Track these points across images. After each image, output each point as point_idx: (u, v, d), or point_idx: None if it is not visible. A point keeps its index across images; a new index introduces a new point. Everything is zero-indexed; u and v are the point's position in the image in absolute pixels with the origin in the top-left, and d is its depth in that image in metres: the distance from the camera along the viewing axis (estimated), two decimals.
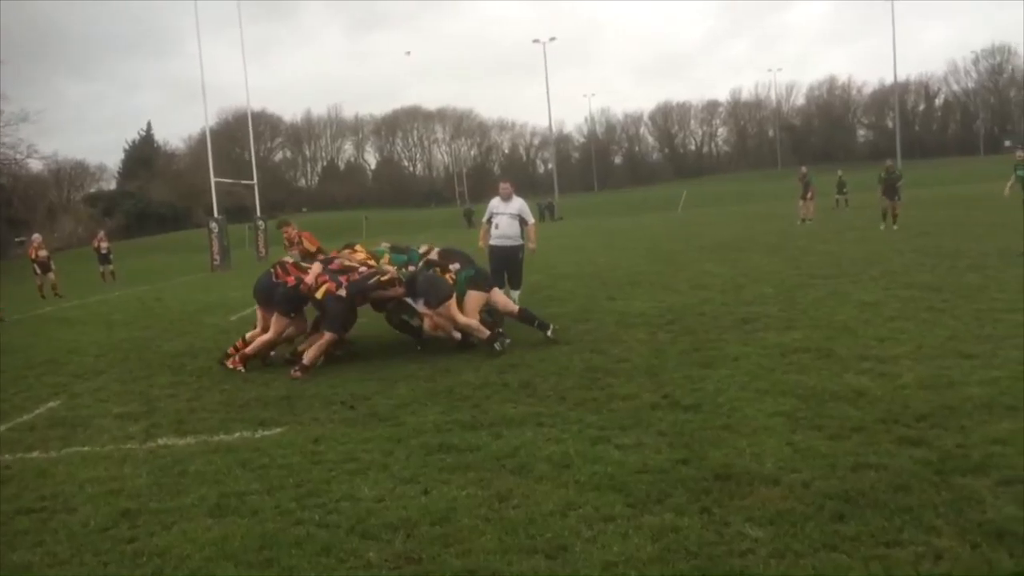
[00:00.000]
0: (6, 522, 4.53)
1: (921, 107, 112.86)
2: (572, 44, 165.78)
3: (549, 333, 8.53)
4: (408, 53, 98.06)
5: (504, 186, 12.25)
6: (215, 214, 32.94)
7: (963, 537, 3.37)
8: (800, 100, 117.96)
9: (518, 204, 12.00)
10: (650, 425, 5.30)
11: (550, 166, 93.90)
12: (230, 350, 8.73)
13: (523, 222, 11.99)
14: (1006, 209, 19.77)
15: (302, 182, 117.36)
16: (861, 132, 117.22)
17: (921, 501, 3.74)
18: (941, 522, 3.52)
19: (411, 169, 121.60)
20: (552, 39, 72.82)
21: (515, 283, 12.03)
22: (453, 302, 8.33)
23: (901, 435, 4.68)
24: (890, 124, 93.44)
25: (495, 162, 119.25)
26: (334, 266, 8.65)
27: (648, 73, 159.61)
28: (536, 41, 72.37)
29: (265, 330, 8.63)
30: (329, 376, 7.77)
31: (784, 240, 19.99)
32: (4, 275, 34.70)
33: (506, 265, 11.83)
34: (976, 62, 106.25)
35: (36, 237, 24.36)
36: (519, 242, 11.97)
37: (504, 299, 8.91)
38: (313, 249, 8.99)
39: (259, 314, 8.88)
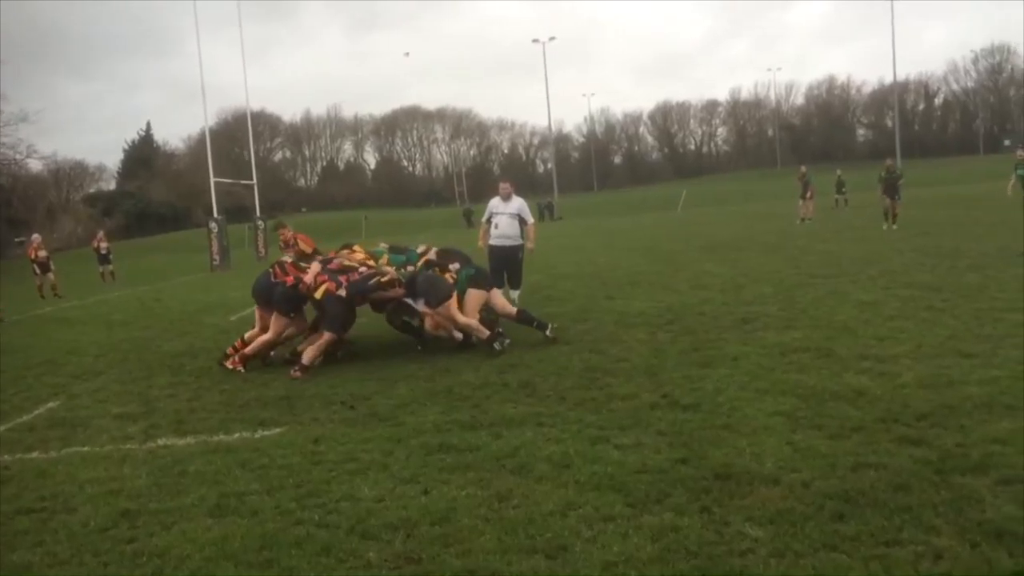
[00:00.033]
0: (6, 522, 4.53)
1: (921, 106, 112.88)
2: (572, 44, 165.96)
3: (548, 332, 8.53)
4: (407, 54, 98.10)
5: (504, 186, 12.25)
6: (215, 214, 32.92)
7: (963, 536, 3.37)
8: (799, 100, 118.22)
9: (518, 204, 12.01)
10: (650, 425, 5.31)
11: (549, 166, 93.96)
12: (229, 350, 8.72)
13: (523, 222, 12.00)
14: (1006, 208, 19.78)
15: (301, 182, 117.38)
16: (860, 132, 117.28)
17: (921, 500, 3.74)
18: (941, 521, 3.52)
19: (410, 169, 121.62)
20: (552, 39, 72.91)
21: (515, 283, 12.03)
22: (453, 302, 8.33)
23: (901, 434, 4.68)
24: (889, 123, 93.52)
25: (494, 162, 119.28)
26: (333, 266, 8.65)
27: (647, 73, 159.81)
28: (536, 41, 72.39)
29: (264, 330, 8.63)
30: (329, 376, 7.77)
31: (784, 240, 19.99)
32: (4, 275, 34.70)
33: (506, 265, 11.83)
34: (975, 61, 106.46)
35: (35, 237, 24.36)
36: (519, 242, 11.97)
37: (502, 301, 8.90)
38: (309, 251, 9.01)
39: (258, 314, 8.88)
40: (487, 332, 8.26)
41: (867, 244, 16.89)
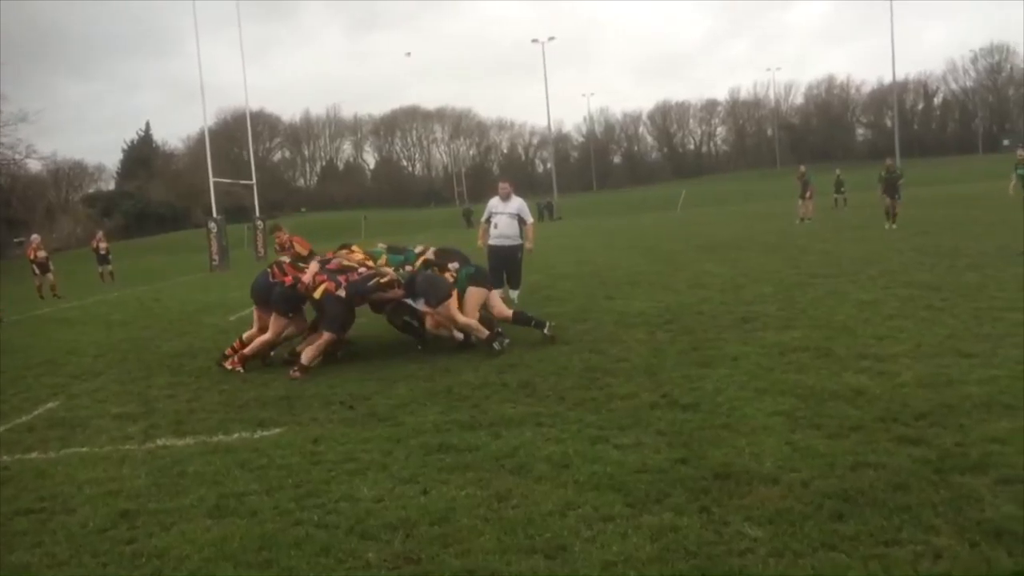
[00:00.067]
0: (5, 523, 4.53)
1: (920, 106, 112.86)
2: (571, 44, 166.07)
3: (546, 330, 8.52)
4: (408, 54, 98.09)
5: (503, 186, 12.26)
6: (214, 214, 32.90)
7: (962, 536, 3.37)
8: (799, 99, 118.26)
9: (517, 204, 12.02)
10: (649, 425, 5.30)
11: (549, 166, 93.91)
12: (227, 351, 8.72)
13: (522, 222, 12.01)
14: (1005, 208, 19.78)
15: (301, 182, 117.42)
16: (860, 131, 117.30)
17: (920, 500, 3.74)
18: (940, 521, 3.52)
19: (410, 169, 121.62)
20: (551, 39, 72.81)
21: (514, 283, 12.04)
22: (453, 301, 8.33)
23: (900, 434, 4.68)
24: (889, 123, 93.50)
25: (494, 162, 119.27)
26: (332, 266, 8.65)
27: (647, 73, 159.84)
28: (535, 41, 72.27)
29: (262, 330, 8.62)
30: (328, 376, 7.76)
31: (783, 239, 20.00)
32: (3, 275, 34.70)
33: (505, 265, 11.84)
34: (975, 61, 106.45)
35: (35, 238, 24.35)
36: (518, 242, 11.98)
37: (499, 304, 8.88)
38: (305, 253, 8.98)
39: (256, 314, 8.87)
40: (486, 332, 8.25)
41: (866, 244, 16.89)
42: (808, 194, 27.10)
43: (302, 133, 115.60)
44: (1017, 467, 4.03)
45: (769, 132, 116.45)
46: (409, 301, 8.53)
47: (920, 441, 4.53)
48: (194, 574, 3.69)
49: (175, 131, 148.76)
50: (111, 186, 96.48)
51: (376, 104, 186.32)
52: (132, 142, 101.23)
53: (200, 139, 61.14)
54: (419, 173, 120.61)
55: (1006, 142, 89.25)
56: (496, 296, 8.88)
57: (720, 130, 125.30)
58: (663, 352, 7.58)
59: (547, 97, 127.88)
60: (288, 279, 8.48)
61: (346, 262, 8.81)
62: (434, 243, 10.16)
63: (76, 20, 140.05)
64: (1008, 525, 3.42)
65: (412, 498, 4.35)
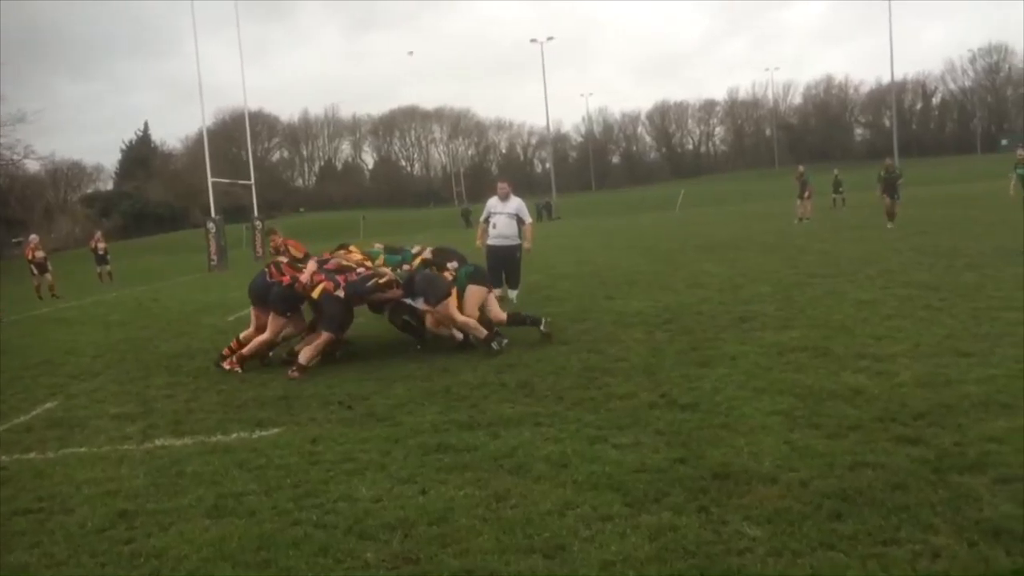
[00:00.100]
0: (3, 523, 4.52)
1: (918, 106, 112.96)
2: (570, 44, 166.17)
3: (543, 327, 8.53)
4: (411, 53, 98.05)
5: (502, 186, 12.27)
6: (212, 214, 32.90)
7: (960, 535, 3.37)
8: (797, 99, 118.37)
9: (516, 204, 12.02)
10: (648, 424, 5.31)
11: (548, 166, 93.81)
12: (225, 351, 8.71)
13: (520, 222, 12.01)
14: (1004, 208, 19.82)
15: (299, 182, 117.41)
16: (858, 131, 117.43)
17: (918, 499, 3.75)
18: (938, 520, 3.52)
19: (409, 169, 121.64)
20: (549, 39, 72.69)
21: (513, 283, 12.05)
22: (452, 300, 8.33)
23: (898, 433, 4.68)
24: (887, 123, 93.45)
25: (493, 162, 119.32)
26: (331, 266, 8.64)
27: (645, 73, 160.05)
28: (534, 41, 72.15)
29: (259, 330, 8.60)
30: (327, 376, 7.76)
31: (781, 239, 20.00)
32: (2, 276, 34.66)
33: (504, 264, 11.85)
34: (973, 61, 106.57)
35: (33, 238, 24.33)
36: (517, 242, 11.99)
37: (495, 307, 8.87)
38: (300, 256, 8.97)
39: (253, 314, 8.86)
40: (485, 331, 8.25)
41: (865, 243, 16.90)
42: (806, 194, 27.11)
43: (300, 133, 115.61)
44: (1015, 466, 4.03)
45: (767, 132, 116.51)
46: (408, 300, 8.53)
47: (918, 441, 4.53)
48: (192, 574, 3.69)
49: (173, 131, 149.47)
50: (109, 186, 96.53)
51: (374, 104, 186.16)
52: (130, 142, 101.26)
53: (198, 139, 61.09)
54: (418, 173, 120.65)
55: (1004, 142, 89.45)
56: (492, 298, 8.88)
57: (718, 130, 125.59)
58: (662, 352, 7.58)
59: (546, 97, 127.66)
60: (286, 279, 8.47)
61: (344, 262, 8.80)
62: (432, 243, 10.16)
63: (75, 20, 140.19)
64: (1006, 524, 3.42)
65: (410, 498, 4.34)
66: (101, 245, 28.25)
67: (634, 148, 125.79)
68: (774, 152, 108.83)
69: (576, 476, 4.43)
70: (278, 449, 5.47)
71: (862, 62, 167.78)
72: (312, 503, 4.40)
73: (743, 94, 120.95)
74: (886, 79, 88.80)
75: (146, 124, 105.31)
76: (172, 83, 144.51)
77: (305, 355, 8.03)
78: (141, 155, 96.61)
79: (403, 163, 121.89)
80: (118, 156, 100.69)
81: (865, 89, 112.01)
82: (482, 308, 8.70)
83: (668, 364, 7.04)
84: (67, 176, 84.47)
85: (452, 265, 8.83)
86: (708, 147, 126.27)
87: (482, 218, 12.40)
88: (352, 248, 9.51)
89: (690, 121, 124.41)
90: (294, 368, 7.91)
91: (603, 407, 5.85)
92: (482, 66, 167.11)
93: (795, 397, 5.61)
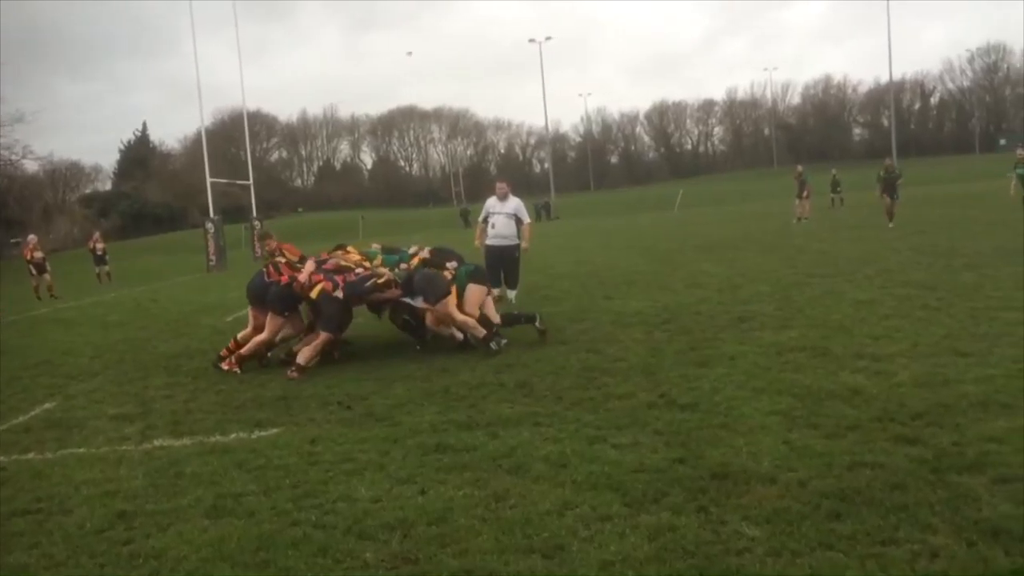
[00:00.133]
0: (2, 524, 4.52)
1: (917, 106, 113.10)
2: (569, 44, 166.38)
3: (537, 323, 8.54)
4: (410, 53, 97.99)
5: (500, 186, 12.28)
6: (211, 214, 32.89)
7: (959, 535, 3.38)
8: (796, 99, 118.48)
9: (514, 204, 12.03)
10: (647, 424, 5.31)
11: (546, 166, 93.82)
12: (223, 352, 8.70)
13: (519, 222, 12.02)
14: (1002, 207, 19.84)
15: (298, 182, 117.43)
16: (857, 131, 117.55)
17: (917, 499, 3.75)
18: (937, 520, 3.53)
19: (407, 169, 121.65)
20: (548, 39, 72.63)
21: (512, 283, 12.05)
22: (452, 298, 8.34)
23: (897, 433, 4.68)
24: (886, 123, 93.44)
25: (491, 162, 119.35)
26: (329, 266, 8.64)
27: (644, 73, 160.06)
28: (532, 41, 72.12)
29: (257, 330, 8.59)
30: (325, 376, 7.76)
31: (780, 239, 20.02)
32: (0, 276, 34.62)
33: (502, 264, 11.85)
34: (971, 60, 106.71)
35: (32, 238, 24.30)
36: (515, 241, 11.99)
37: (490, 308, 8.87)
38: (295, 259, 8.97)
39: (251, 314, 8.85)
40: (484, 331, 8.25)
41: (863, 243, 16.91)
42: (805, 194, 27.13)
43: (299, 133, 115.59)
44: (1014, 466, 4.04)
45: (766, 132, 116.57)
46: (407, 299, 8.53)
47: (917, 440, 4.54)
48: (192, 574, 3.69)
49: (172, 131, 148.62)
50: (108, 186, 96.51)
51: (373, 104, 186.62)
52: (129, 142, 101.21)
53: (197, 139, 61.07)
54: (416, 173, 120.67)
55: (1003, 142, 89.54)
56: (489, 300, 8.89)
57: (717, 130, 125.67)
58: (660, 352, 7.58)
59: (544, 97, 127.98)
60: (284, 278, 8.47)
61: (343, 263, 8.80)
62: (430, 243, 10.15)
63: (73, 20, 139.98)
64: (1005, 524, 3.42)
65: (410, 498, 4.34)
66: (100, 246, 28.22)
67: (633, 148, 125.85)
68: (773, 152, 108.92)
69: (575, 476, 4.43)
70: (277, 449, 5.47)
71: (861, 62, 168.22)
72: (311, 503, 4.40)
73: (742, 94, 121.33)
74: (884, 79, 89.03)
75: (144, 124, 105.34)
76: (171, 83, 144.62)
77: (304, 355, 8.03)
78: (140, 155, 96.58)
79: (402, 163, 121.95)
80: (116, 156, 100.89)
81: (864, 89, 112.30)
82: (480, 308, 8.70)
83: (667, 364, 7.04)
84: (65, 176, 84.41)
85: (452, 265, 8.84)
86: (707, 147, 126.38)
87: (481, 218, 12.41)
88: (350, 249, 9.51)
89: (689, 121, 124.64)
90: (293, 368, 7.91)
91: (602, 407, 5.85)
92: (481, 66, 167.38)
93: (794, 397, 5.61)
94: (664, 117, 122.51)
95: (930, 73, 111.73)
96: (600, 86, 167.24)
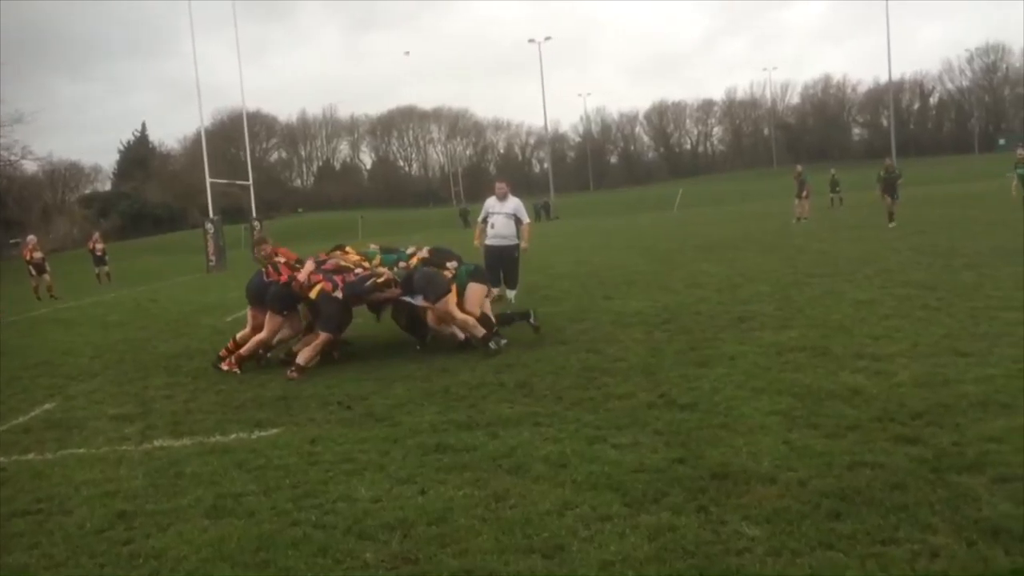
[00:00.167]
0: (2, 524, 4.52)
1: (916, 105, 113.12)
2: (568, 44, 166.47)
3: (532, 320, 8.56)
4: (407, 53, 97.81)
5: (500, 186, 12.28)
6: (211, 215, 32.90)
7: (959, 535, 3.38)
8: (795, 99, 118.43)
9: (513, 204, 12.04)
10: (647, 424, 5.31)
11: (546, 166, 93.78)
12: (222, 352, 8.70)
13: (518, 222, 12.02)
14: (1002, 207, 19.84)
15: (297, 182, 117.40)
16: (856, 130, 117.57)
17: (917, 499, 3.75)
18: (937, 520, 3.53)
19: (407, 169, 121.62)
20: (547, 39, 72.61)
21: (511, 283, 12.06)
22: (452, 297, 8.34)
23: (897, 433, 4.69)
24: (885, 123, 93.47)
25: (491, 162, 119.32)
26: (328, 266, 8.64)
27: (643, 73, 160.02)
28: (531, 41, 72.09)
29: (256, 330, 8.59)
30: (325, 376, 7.76)
31: (780, 239, 20.02)
32: (0, 277, 34.61)
33: (502, 264, 11.86)
34: (971, 60, 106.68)
35: (31, 239, 24.30)
36: (515, 241, 11.99)
37: (487, 309, 8.88)
38: (294, 260, 8.97)
39: (250, 314, 8.85)
40: (483, 330, 8.25)
41: (863, 243, 16.92)
42: (805, 193, 27.14)
43: (299, 133, 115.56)
44: (1014, 466, 4.04)
45: (765, 132, 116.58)
46: (407, 298, 8.53)
47: (917, 440, 4.54)
48: (191, 575, 3.69)
49: (172, 132, 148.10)
50: (107, 187, 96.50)
51: (373, 104, 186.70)
52: (128, 143, 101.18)
53: (196, 140, 61.10)
54: (416, 173, 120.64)
55: (1002, 141, 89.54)
56: (486, 301, 8.90)
57: (716, 130, 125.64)
58: (660, 352, 7.58)
59: (544, 97, 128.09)
60: (283, 277, 8.47)
61: (342, 263, 8.80)
62: (430, 243, 10.15)
63: (73, 20, 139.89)
64: (1005, 524, 3.43)
65: (410, 498, 4.34)
66: (99, 246, 28.21)
67: (632, 148, 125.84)
68: (772, 152, 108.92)
69: (575, 476, 4.43)
70: (277, 449, 5.47)
71: (860, 62, 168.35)
72: (311, 503, 4.40)
73: (741, 94, 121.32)
74: (884, 79, 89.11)
75: (144, 125, 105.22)
76: (170, 83, 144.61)
77: (303, 356, 8.03)
78: (139, 156, 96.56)
79: (401, 163, 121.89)
80: (116, 157, 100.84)
81: (863, 89, 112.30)
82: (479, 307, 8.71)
83: (667, 364, 7.04)
84: (65, 177, 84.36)
85: (452, 264, 8.85)
86: (706, 147, 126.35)
87: (480, 218, 12.42)
88: (349, 249, 9.51)
89: (688, 121, 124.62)
90: (293, 369, 7.91)
91: (602, 407, 5.85)
92: (481, 66, 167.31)
93: (794, 397, 5.62)
94: (664, 117, 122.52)
95: (929, 73, 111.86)
96: (600, 86, 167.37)
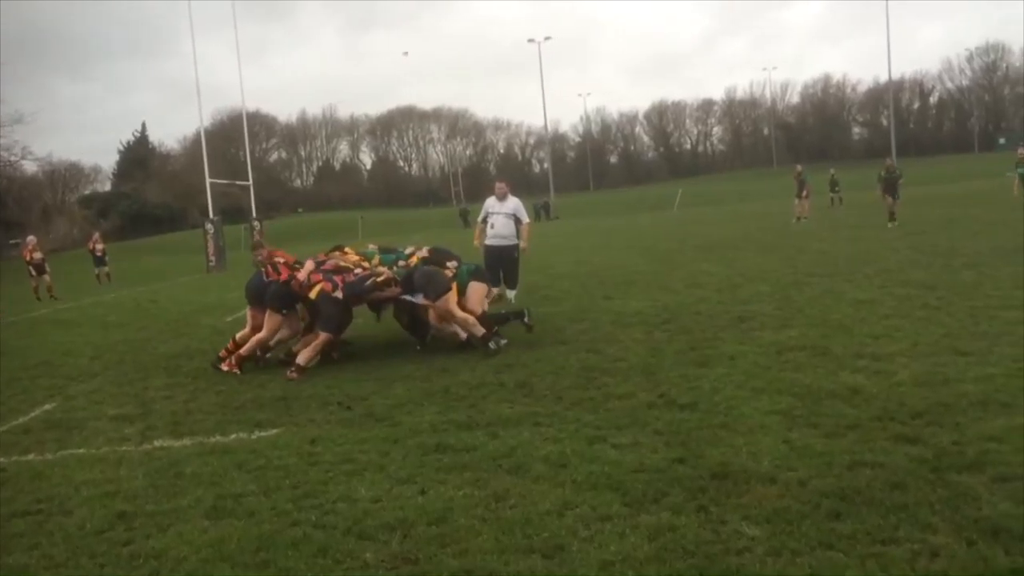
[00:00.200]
0: (2, 525, 4.52)
1: (916, 105, 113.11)
2: (568, 44, 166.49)
3: (526, 319, 8.57)
4: (406, 53, 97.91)
5: (500, 186, 12.29)
6: (210, 215, 32.91)
7: (959, 534, 3.38)
8: (795, 98, 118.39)
9: (513, 204, 12.04)
10: (647, 424, 5.31)
11: (546, 166, 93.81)
12: (222, 352, 8.70)
13: (518, 222, 12.03)
14: (1002, 206, 19.83)
15: (297, 183, 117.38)
16: (856, 130, 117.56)
17: (917, 498, 3.75)
18: (937, 519, 3.53)
19: (407, 169, 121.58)
20: (547, 39, 72.59)
21: (511, 283, 12.06)
22: (452, 295, 8.34)
23: (897, 433, 4.69)
24: (885, 122, 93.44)
25: (491, 162, 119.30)
26: (328, 266, 8.64)
27: (643, 72, 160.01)
28: (531, 40, 72.06)
29: (255, 330, 8.59)
30: (325, 377, 7.76)
31: (780, 239, 20.02)
32: (0, 277, 34.61)
33: (501, 264, 11.86)
34: (970, 60, 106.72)
35: (31, 239, 24.30)
36: (514, 241, 12.00)
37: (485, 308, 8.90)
38: (292, 262, 8.97)
39: (249, 314, 8.85)
40: (483, 330, 8.25)
41: (863, 243, 16.92)
42: (804, 193, 27.14)
43: (298, 133, 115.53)
44: (1014, 465, 4.04)
45: (765, 131, 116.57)
46: (408, 297, 8.53)
47: (917, 440, 4.54)
48: (192, 575, 3.69)
49: (171, 132, 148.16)
50: (107, 187, 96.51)
51: (373, 104, 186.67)
52: (128, 143, 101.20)
53: (196, 140, 61.07)
54: (416, 173, 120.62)
55: (1002, 141, 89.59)
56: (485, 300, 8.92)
57: (716, 130, 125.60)
58: (660, 352, 7.58)
59: (543, 97, 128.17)
60: (283, 275, 8.47)
61: (342, 263, 8.80)
62: (429, 243, 10.16)
63: (72, 21, 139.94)
64: (1005, 523, 3.43)
65: (410, 498, 4.34)
66: (99, 247, 28.20)
67: (632, 148, 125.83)
68: (772, 151, 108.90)
69: (575, 476, 4.43)
70: (277, 450, 5.47)
71: (860, 61, 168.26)
72: (311, 504, 4.40)
73: (741, 94, 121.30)
74: (884, 78, 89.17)
75: (144, 125, 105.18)
76: (170, 84, 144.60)
77: (303, 356, 8.03)
78: (139, 156, 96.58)
79: (401, 163, 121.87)
80: (116, 157, 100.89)
81: (863, 88, 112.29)
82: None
83: (667, 364, 7.04)
84: (65, 177, 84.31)
85: (452, 264, 8.86)
86: (706, 147, 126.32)
87: (480, 218, 12.42)
88: (347, 250, 9.51)
89: (688, 121, 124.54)
90: (293, 369, 7.91)
91: (602, 407, 5.85)
92: (481, 66, 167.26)
93: (794, 396, 5.62)
94: (663, 117, 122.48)
95: (929, 72, 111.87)
96: (599, 86, 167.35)
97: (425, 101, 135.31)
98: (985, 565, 3.14)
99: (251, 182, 39.48)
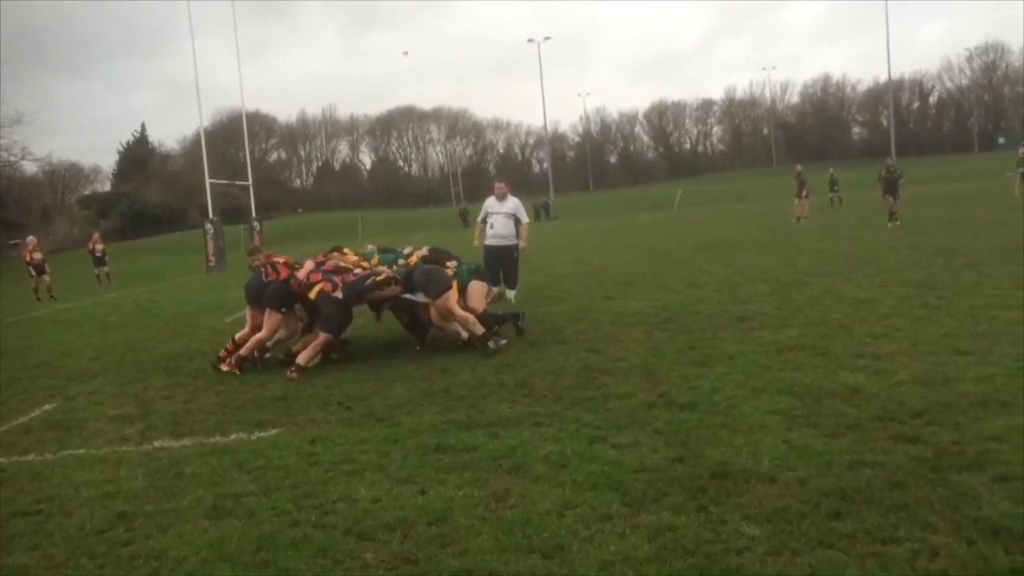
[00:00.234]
0: (2, 525, 4.52)
1: (915, 104, 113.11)
2: (568, 44, 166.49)
3: (519, 322, 8.59)
4: (406, 53, 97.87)
5: (499, 186, 12.29)
6: (210, 215, 32.92)
7: (959, 534, 3.38)
8: (795, 98, 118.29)
9: (513, 204, 12.05)
10: (647, 424, 5.31)
11: (545, 166, 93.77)
12: (222, 353, 8.70)
13: (518, 222, 12.03)
14: (1001, 206, 19.83)
15: (297, 183, 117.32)
16: (856, 130, 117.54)
17: (917, 498, 3.75)
18: (937, 519, 3.53)
19: (406, 169, 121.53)
20: (547, 38, 72.61)
21: (511, 282, 12.06)
22: (452, 294, 8.35)
23: (897, 432, 4.69)
24: (885, 122, 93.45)
25: (490, 162, 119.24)
26: (328, 267, 8.64)
27: (643, 72, 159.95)
28: (531, 40, 72.04)
29: (255, 330, 8.59)
30: (325, 377, 7.76)
31: (779, 238, 20.02)
32: (0, 277, 34.65)
33: (501, 264, 11.87)
34: (970, 59, 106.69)
35: (31, 239, 24.31)
36: (514, 241, 12.00)
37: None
38: (291, 263, 8.97)
39: (249, 314, 8.85)
40: (483, 329, 8.25)
41: (862, 242, 16.92)
42: (804, 193, 27.14)
43: (298, 134, 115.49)
44: (1014, 465, 4.04)
45: (765, 131, 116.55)
46: (408, 295, 8.54)
47: (917, 439, 4.54)
48: (191, 575, 3.69)
49: (171, 132, 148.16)
50: (107, 187, 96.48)
51: (372, 104, 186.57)
52: (128, 143, 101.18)
53: (196, 140, 61.11)
54: (415, 173, 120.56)
55: (1001, 140, 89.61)
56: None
57: (716, 129, 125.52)
58: (660, 351, 7.58)
59: (543, 97, 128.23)
60: (283, 274, 8.47)
61: (341, 263, 8.80)
62: (429, 243, 10.16)
63: (72, 21, 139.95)
64: (1005, 523, 3.43)
65: (410, 498, 4.35)
66: (99, 247, 28.18)
67: (632, 148, 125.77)
68: (772, 151, 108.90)
69: (575, 476, 4.43)
70: (277, 450, 5.47)
71: (859, 61, 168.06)
72: (311, 504, 4.40)
73: (741, 93, 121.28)
74: (883, 78, 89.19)
75: (143, 125, 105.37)
76: (170, 84, 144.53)
77: (303, 356, 8.03)
78: (139, 156, 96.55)
79: (401, 163, 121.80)
80: (115, 157, 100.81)
81: (862, 88, 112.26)
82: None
83: (667, 364, 7.04)
84: (64, 177, 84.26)
85: (452, 263, 8.86)
86: (706, 146, 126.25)
87: (480, 218, 12.42)
88: (347, 250, 9.51)
89: (688, 121, 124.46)
90: (292, 369, 7.91)
91: (602, 407, 5.85)
92: (480, 66, 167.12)
93: (793, 396, 5.62)
94: (663, 117, 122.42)
95: (929, 72, 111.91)
96: (599, 86, 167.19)
97: (425, 101, 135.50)
98: (985, 565, 3.14)
99: (251, 182, 39.50)
